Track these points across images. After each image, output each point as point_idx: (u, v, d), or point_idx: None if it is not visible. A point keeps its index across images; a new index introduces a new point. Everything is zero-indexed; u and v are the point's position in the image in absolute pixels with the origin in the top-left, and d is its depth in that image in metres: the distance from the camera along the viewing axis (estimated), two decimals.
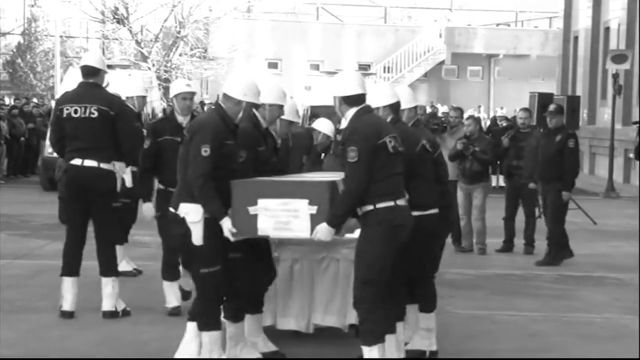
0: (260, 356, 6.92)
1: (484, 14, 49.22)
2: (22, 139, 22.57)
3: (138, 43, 38.33)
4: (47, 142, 19.61)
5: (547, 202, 11.96)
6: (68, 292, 8.32)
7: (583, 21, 30.70)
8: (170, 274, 8.57)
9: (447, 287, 10.22)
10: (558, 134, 11.89)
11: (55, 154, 9.29)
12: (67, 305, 8.31)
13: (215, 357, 6.54)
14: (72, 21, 47.34)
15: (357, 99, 6.36)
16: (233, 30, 39.09)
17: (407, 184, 6.54)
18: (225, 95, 6.62)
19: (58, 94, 23.40)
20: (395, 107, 6.86)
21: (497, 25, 46.99)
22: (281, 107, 7.14)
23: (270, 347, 7.08)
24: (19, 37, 52.01)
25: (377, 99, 6.78)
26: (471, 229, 12.76)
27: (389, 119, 6.73)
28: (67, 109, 8.31)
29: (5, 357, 7.15)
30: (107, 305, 8.33)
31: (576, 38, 31.67)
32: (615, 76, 22.63)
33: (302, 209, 6.30)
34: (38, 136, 22.64)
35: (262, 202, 6.35)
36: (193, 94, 8.73)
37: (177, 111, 8.56)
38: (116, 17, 37.59)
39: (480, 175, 12.63)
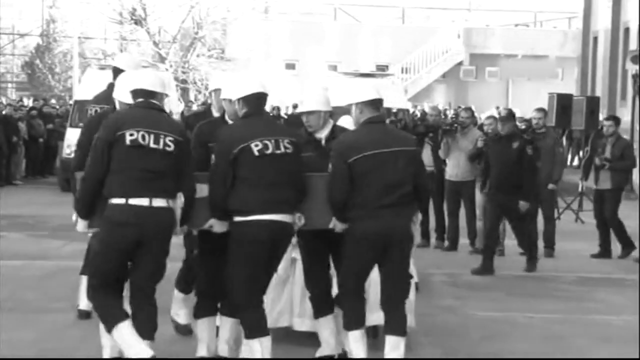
0: (206, 355, 6.78)
1: (502, 14, 49.06)
2: (41, 140, 22.65)
3: (156, 44, 38.43)
4: (65, 143, 19.73)
5: (512, 215, 11.46)
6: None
7: (602, 21, 30.54)
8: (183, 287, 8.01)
9: (464, 288, 10.20)
10: (513, 140, 11.43)
11: (72, 155, 9.24)
12: (84, 304, 8.29)
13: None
14: (90, 22, 47.47)
15: (137, 94, 6.37)
16: (251, 31, 39.10)
17: (231, 187, 6.30)
18: None
19: (76, 95, 23.48)
20: (250, 100, 6.45)
21: (516, 25, 46.83)
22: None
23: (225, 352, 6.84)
24: (38, 39, 52.23)
25: (228, 90, 6.63)
26: None
27: (242, 113, 6.46)
28: None
29: (23, 357, 7.18)
30: None
31: (595, 38, 31.51)
32: (635, 77, 22.46)
33: None
34: (56, 137, 22.69)
35: None
36: None
37: (213, 107, 7.40)
38: (134, 18, 37.69)
39: None
